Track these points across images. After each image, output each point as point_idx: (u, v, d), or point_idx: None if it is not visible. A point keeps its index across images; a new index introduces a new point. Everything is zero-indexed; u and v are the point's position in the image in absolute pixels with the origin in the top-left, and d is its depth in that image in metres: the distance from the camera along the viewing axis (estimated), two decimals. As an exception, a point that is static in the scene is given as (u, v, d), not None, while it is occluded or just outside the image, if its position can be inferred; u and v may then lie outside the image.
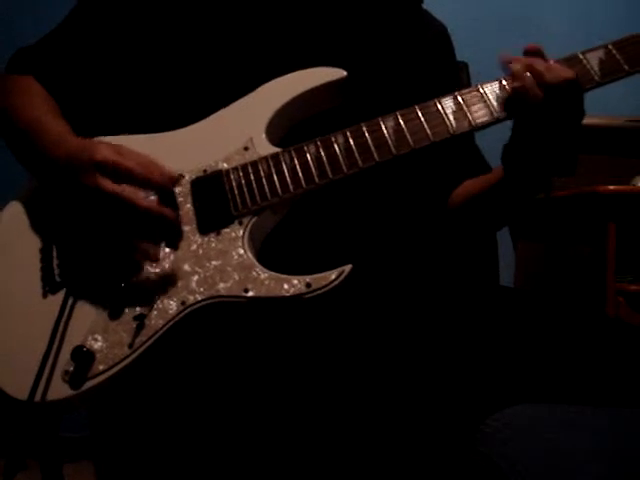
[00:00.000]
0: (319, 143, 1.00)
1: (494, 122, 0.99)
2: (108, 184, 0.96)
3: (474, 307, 1.03)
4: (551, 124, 0.97)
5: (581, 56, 0.98)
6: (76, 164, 0.99)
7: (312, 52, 1.11)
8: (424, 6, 1.29)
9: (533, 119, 0.97)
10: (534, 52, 0.98)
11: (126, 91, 1.14)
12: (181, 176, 1.03)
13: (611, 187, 1.96)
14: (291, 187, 0.99)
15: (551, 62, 0.97)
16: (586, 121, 2.23)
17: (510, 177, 1.07)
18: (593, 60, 0.97)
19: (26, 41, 1.19)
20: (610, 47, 0.97)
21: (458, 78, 1.26)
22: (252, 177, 1.00)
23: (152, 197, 1.00)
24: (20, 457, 1.01)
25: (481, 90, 0.99)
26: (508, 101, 0.98)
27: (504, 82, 0.99)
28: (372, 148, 0.98)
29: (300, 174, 0.99)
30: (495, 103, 0.98)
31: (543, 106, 0.95)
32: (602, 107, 2.24)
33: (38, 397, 0.95)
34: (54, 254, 1.04)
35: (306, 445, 0.96)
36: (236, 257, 0.97)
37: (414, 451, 0.94)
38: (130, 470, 1.06)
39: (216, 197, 1.01)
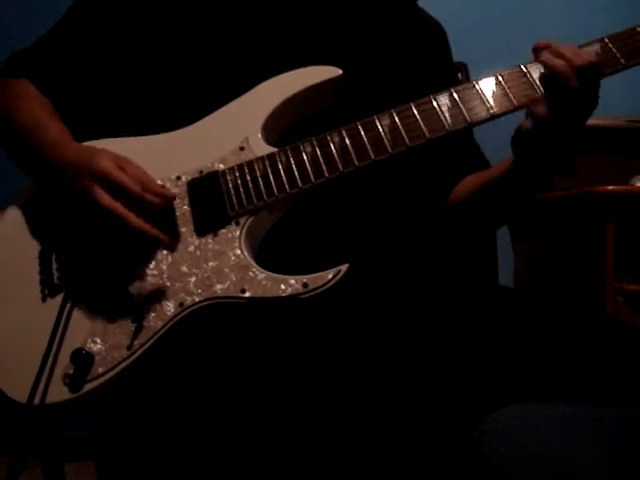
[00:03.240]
0: (315, 142, 1.00)
1: (490, 118, 0.99)
2: (104, 197, 0.96)
3: (473, 307, 1.03)
4: (577, 110, 0.97)
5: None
6: (75, 170, 0.99)
7: (307, 51, 1.11)
8: (421, 4, 1.29)
9: (566, 106, 0.96)
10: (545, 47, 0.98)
11: (123, 92, 1.14)
12: (178, 179, 1.03)
13: (610, 187, 1.96)
14: (287, 187, 0.99)
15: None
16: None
17: (520, 162, 1.06)
18: (590, 54, 0.96)
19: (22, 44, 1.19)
20: (606, 41, 0.97)
21: (454, 76, 1.25)
22: (248, 177, 1.00)
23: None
24: (23, 458, 1.02)
25: (477, 86, 0.98)
26: (548, 84, 0.97)
27: (500, 77, 0.99)
28: (368, 146, 0.98)
29: (296, 173, 0.99)
30: (491, 99, 0.98)
31: (579, 92, 0.94)
32: (602, 107, 2.23)
33: (38, 400, 0.95)
34: (53, 258, 1.04)
35: (306, 445, 0.96)
36: (233, 258, 0.97)
37: (414, 451, 0.94)
38: (130, 470, 1.06)
39: (212, 198, 1.00)
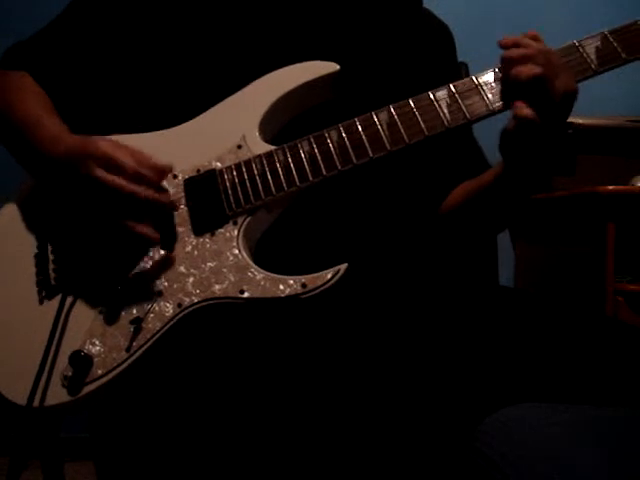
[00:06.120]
0: (312, 140, 0.99)
1: (490, 114, 0.98)
2: (107, 176, 0.96)
3: (473, 307, 1.03)
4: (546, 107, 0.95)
5: (577, 45, 0.96)
6: (75, 158, 0.99)
7: (307, 47, 1.10)
8: (425, 5, 1.28)
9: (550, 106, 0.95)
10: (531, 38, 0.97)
11: (121, 88, 1.14)
12: (173, 174, 1.03)
13: (611, 187, 1.96)
14: (285, 185, 0.98)
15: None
16: (586, 121, 2.24)
17: (510, 168, 1.06)
18: (590, 49, 0.95)
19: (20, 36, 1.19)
20: (607, 34, 0.96)
21: (459, 75, 1.24)
22: (246, 176, 1.00)
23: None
24: (23, 459, 1.02)
25: (475, 81, 0.97)
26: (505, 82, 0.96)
27: (499, 72, 0.98)
28: (366, 144, 0.97)
29: (294, 172, 0.98)
30: (490, 94, 0.97)
31: (540, 81, 0.93)
32: (602, 107, 2.24)
33: (37, 402, 0.95)
34: (49, 259, 1.04)
35: (306, 445, 0.96)
36: (231, 258, 0.96)
37: (414, 451, 0.93)
38: (129, 471, 1.06)
39: (210, 197, 1.00)
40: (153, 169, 0.99)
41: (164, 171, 1.01)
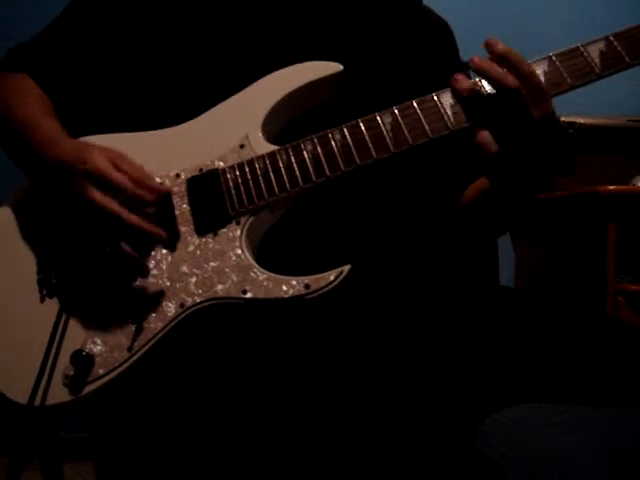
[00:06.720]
0: (316, 140, 0.99)
1: None
2: (96, 195, 0.96)
3: (474, 307, 1.03)
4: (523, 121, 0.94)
5: (582, 48, 0.95)
6: (67, 168, 0.99)
7: (310, 47, 1.10)
8: (426, 3, 1.28)
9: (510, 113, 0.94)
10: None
11: (122, 88, 1.14)
12: (177, 176, 1.03)
13: (611, 187, 1.96)
14: (288, 185, 0.98)
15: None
16: (587, 121, 2.24)
17: (496, 185, 1.06)
18: (594, 52, 0.94)
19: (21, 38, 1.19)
20: (611, 38, 0.95)
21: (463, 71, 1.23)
22: (249, 176, 0.99)
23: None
24: (23, 459, 1.02)
25: (479, 83, 0.97)
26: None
27: None
28: (370, 145, 0.97)
29: (297, 172, 0.98)
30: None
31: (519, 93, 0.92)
32: (602, 107, 2.24)
33: (38, 401, 0.95)
34: (50, 257, 1.04)
35: (306, 445, 0.96)
36: (234, 258, 0.96)
37: (414, 451, 0.93)
38: (129, 471, 1.06)
39: (212, 197, 1.00)
40: (151, 190, 0.98)
41: (162, 192, 1.00)
